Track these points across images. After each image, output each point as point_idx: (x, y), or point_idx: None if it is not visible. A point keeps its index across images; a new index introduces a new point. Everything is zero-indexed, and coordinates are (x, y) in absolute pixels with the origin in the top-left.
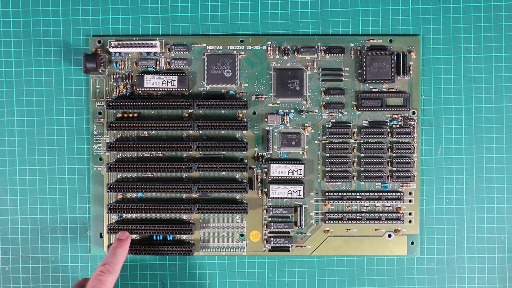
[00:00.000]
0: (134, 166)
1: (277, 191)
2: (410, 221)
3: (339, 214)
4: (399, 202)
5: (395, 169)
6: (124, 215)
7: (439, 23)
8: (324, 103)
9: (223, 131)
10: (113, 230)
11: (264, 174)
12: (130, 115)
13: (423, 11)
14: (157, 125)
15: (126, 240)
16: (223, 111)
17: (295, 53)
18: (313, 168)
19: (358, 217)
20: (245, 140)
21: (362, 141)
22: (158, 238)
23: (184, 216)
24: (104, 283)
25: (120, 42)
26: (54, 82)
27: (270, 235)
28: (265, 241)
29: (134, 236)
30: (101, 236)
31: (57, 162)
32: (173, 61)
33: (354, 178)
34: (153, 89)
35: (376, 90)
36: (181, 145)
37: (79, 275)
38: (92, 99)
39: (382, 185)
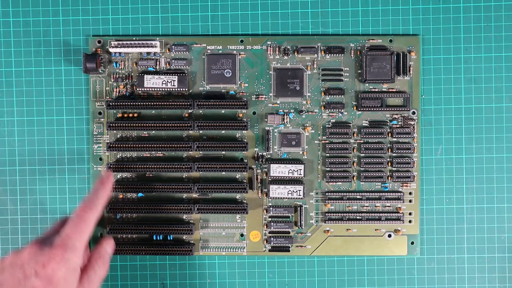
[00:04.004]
0: (134, 166)
1: (277, 191)
2: (410, 221)
3: (339, 214)
4: (399, 202)
5: (395, 169)
6: (124, 215)
7: (439, 23)
8: (324, 103)
9: (223, 131)
10: (114, 230)
11: (264, 174)
12: (130, 115)
13: (423, 11)
14: (157, 125)
15: (108, 180)
16: (223, 111)
17: (295, 53)
18: (313, 168)
19: (358, 217)
20: (245, 140)
21: (362, 141)
22: (158, 238)
23: (184, 216)
24: (85, 220)
25: (120, 42)
26: (54, 82)
27: (270, 235)
28: (265, 241)
29: (134, 236)
30: (101, 236)
31: (57, 162)
32: (173, 61)
33: (354, 178)
34: (153, 89)
35: (376, 90)
36: (181, 145)
37: None
38: (92, 99)
39: (382, 185)
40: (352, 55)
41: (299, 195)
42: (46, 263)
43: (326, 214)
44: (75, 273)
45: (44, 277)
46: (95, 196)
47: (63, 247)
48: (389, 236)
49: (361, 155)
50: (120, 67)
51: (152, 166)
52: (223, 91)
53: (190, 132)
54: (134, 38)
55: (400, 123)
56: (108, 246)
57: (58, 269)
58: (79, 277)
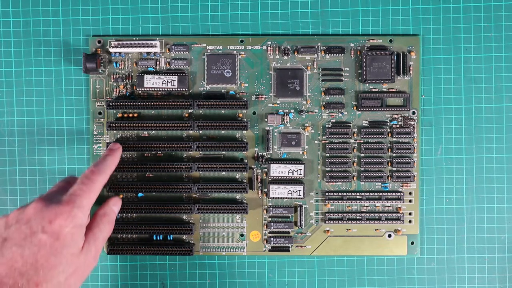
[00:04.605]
0: (134, 166)
1: (277, 191)
2: (410, 221)
3: (339, 214)
4: (399, 202)
5: (395, 169)
6: (124, 215)
7: (439, 23)
8: (324, 103)
9: (223, 131)
10: (114, 230)
11: (264, 174)
12: (130, 115)
13: (423, 11)
14: (157, 125)
15: (118, 149)
16: (223, 111)
17: (295, 53)
18: (313, 168)
19: (358, 217)
20: (245, 140)
21: (362, 141)
22: (158, 238)
23: (184, 216)
24: (93, 182)
25: (120, 42)
26: (54, 82)
27: (270, 235)
28: (265, 241)
29: (134, 236)
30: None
31: (57, 162)
32: (173, 61)
33: (354, 178)
34: (153, 89)
35: (376, 90)
36: (181, 145)
37: None
38: (92, 99)
39: (382, 185)
40: (352, 55)
41: (299, 195)
42: (53, 219)
43: (326, 214)
44: (81, 230)
45: (51, 233)
46: (104, 162)
47: (70, 204)
48: (389, 236)
49: (361, 155)
50: (120, 67)
51: (152, 166)
52: (223, 91)
53: (190, 132)
54: (134, 38)
55: (400, 123)
56: (115, 205)
57: (65, 225)
58: (84, 235)
